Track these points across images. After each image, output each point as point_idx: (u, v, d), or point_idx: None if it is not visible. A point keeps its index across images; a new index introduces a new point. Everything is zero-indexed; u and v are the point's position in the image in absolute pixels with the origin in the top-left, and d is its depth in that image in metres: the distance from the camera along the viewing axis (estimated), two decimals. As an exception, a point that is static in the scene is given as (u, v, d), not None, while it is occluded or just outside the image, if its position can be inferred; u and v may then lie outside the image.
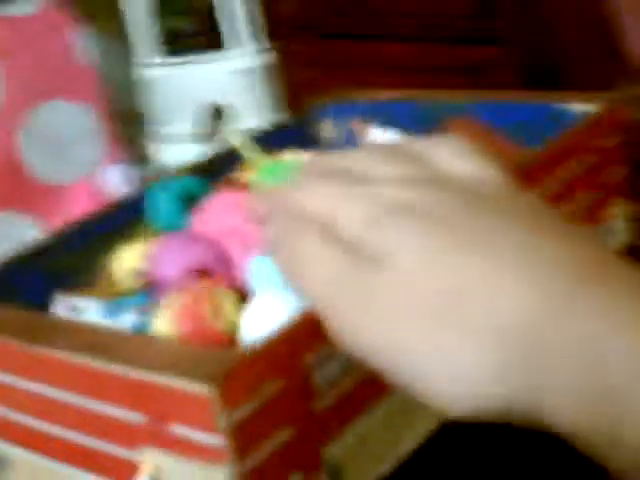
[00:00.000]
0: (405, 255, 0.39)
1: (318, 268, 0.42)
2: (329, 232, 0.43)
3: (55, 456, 0.59)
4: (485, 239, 0.39)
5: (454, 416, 0.38)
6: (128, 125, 1.31)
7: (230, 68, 1.22)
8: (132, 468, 0.54)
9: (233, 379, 0.48)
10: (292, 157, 0.71)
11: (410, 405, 0.60)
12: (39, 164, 1.12)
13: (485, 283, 0.37)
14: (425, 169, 0.44)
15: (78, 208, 1.02)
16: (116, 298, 0.70)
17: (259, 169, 0.73)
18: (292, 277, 0.44)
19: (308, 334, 0.52)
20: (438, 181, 0.43)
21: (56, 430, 0.58)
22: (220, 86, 1.22)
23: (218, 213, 0.69)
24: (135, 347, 0.53)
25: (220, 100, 1.23)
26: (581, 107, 0.74)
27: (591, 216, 0.74)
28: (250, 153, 0.76)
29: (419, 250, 0.39)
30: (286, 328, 0.52)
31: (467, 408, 0.38)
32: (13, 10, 1.13)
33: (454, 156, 0.45)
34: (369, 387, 0.57)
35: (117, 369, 0.51)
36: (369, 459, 0.58)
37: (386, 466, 0.59)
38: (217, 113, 1.24)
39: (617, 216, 0.77)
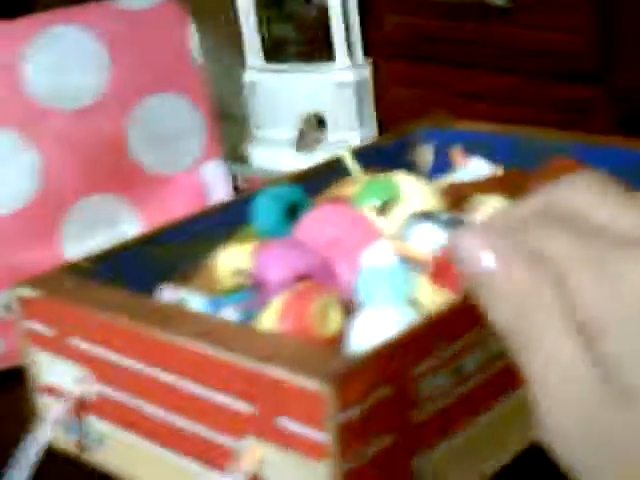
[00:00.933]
0: None
1: (548, 351, 0.33)
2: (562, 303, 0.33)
3: (152, 436, 0.62)
4: None
5: None
6: (230, 125, 1.34)
7: (329, 80, 1.25)
8: (235, 457, 0.56)
9: (348, 380, 0.50)
10: (398, 177, 0.73)
11: (502, 426, 0.62)
12: (143, 153, 1.15)
13: None
14: None
15: (175, 200, 1.05)
16: (218, 294, 0.73)
17: (362, 185, 0.75)
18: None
19: (418, 346, 0.55)
20: None
21: (157, 411, 0.60)
22: (319, 96, 1.26)
23: (321, 224, 0.71)
24: (249, 338, 0.56)
25: (319, 110, 1.26)
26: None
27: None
28: (355, 168, 0.78)
29: None
30: (398, 338, 0.54)
31: None
32: (130, 3, 1.17)
33: None
34: (466, 405, 0.59)
35: (231, 357, 0.54)
36: (457, 474, 0.60)
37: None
38: (318, 123, 1.27)
39: None
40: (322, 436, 0.51)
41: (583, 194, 0.35)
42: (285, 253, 0.68)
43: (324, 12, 1.25)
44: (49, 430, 0.63)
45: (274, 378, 0.52)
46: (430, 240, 0.65)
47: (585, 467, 0.33)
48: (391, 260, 0.66)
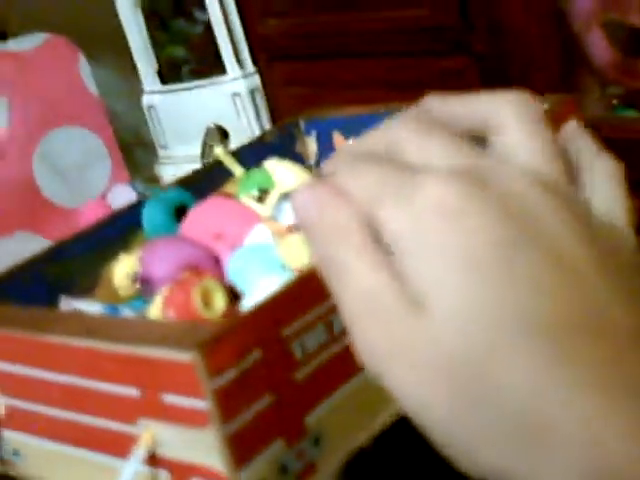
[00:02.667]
0: (441, 294, 0.33)
1: (353, 281, 0.35)
2: (368, 235, 0.35)
3: (63, 439, 0.64)
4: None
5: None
6: (141, 150, 1.38)
7: (224, 92, 1.28)
8: (133, 441, 0.59)
9: (215, 347, 0.53)
10: (270, 165, 0.76)
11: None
12: (52, 187, 1.19)
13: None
14: (485, 157, 0.36)
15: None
16: (114, 302, 0.76)
17: (239, 180, 0.79)
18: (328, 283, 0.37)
19: (287, 307, 0.58)
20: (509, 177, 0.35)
21: (61, 413, 0.63)
22: (217, 109, 1.29)
23: (204, 218, 0.74)
24: (125, 327, 0.59)
25: (219, 122, 1.29)
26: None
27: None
28: (232, 166, 0.82)
29: (458, 293, 0.33)
30: (265, 301, 0.57)
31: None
32: (18, 45, 1.21)
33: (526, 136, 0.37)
34: (348, 358, 0.62)
35: (110, 347, 0.57)
36: (349, 428, 0.63)
37: (367, 434, 0.63)
38: (221, 134, 1.31)
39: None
40: (202, 404, 0.54)
41: (401, 131, 0.38)
42: (167, 248, 0.71)
43: (209, 28, 1.29)
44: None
45: (150, 358, 0.55)
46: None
47: (398, 384, 0.35)
48: (268, 240, 0.69)
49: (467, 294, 0.33)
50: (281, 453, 0.58)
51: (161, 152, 1.36)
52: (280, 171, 0.74)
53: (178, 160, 1.34)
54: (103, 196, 1.26)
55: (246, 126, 1.27)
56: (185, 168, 1.32)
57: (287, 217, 0.69)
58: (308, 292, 0.60)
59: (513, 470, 0.33)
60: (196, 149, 1.33)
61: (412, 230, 0.34)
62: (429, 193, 0.34)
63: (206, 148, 1.30)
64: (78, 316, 0.65)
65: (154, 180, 1.37)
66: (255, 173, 0.78)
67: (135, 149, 1.47)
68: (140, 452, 0.58)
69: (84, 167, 1.24)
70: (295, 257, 0.63)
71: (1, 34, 1.35)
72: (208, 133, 1.31)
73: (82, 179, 1.25)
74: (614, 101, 0.96)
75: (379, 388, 0.62)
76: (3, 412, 0.66)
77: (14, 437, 0.67)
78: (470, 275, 0.33)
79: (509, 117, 0.37)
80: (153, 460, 0.59)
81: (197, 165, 1.30)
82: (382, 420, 0.64)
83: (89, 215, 1.21)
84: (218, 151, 0.82)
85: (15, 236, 1.17)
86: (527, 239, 0.33)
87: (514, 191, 0.34)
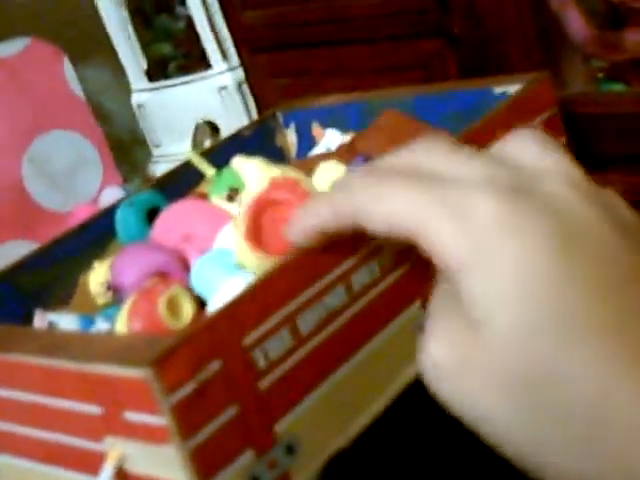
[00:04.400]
0: (501, 308, 0.34)
1: None
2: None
3: (35, 458, 0.63)
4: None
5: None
6: (134, 149, 1.37)
7: (211, 86, 1.27)
8: (102, 458, 0.58)
9: (169, 361, 0.52)
10: (237, 164, 0.75)
11: (362, 381, 0.64)
12: (42, 193, 1.18)
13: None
14: (514, 170, 0.38)
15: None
16: (91, 311, 0.75)
17: (210, 180, 0.78)
18: None
19: (246, 314, 0.56)
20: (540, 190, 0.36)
21: (32, 432, 0.62)
22: (206, 104, 1.28)
23: (174, 221, 0.73)
24: (82, 344, 0.58)
25: (209, 117, 1.28)
26: (509, 89, 0.78)
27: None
28: (202, 166, 0.80)
29: (517, 304, 0.34)
30: (222, 309, 0.55)
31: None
32: (1, 50, 1.20)
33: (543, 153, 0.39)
34: (316, 363, 0.60)
35: (69, 365, 0.55)
36: (324, 433, 0.61)
37: (343, 440, 0.62)
38: (212, 129, 1.29)
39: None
40: (161, 420, 0.53)
41: (425, 152, 0.39)
42: (136, 255, 0.70)
43: (192, 23, 1.27)
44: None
45: (108, 375, 0.54)
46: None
47: (464, 400, 0.36)
48: (222, 245, 0.67)
49: (530, 305, 0.34)
50: (251, 464, 0.57)
51: (155, 151, 1.35)
52: (247, 169, 0.72)
53: (172, 158, 1.33)
54: (95, 199, 1.25)
55: (235, 119, 1.26)
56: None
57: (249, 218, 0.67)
58: (269, 296, 0.58)
59: (581, 473, 0.33)
60: (188, 145, 1.32)
61: (470, 248, 0.35)
62: (483, 209, 0.35)
63: (197, 144, 1.29)
64: (36, 334, 0.64)
65: (150, 180, 1.36)
66: (225, 172, 0.76)
67: (131, 149, 1.46)
68: (108, 470, 0.57)
69: (74, 171, 1.23)
70: (258, 266, 0.62)
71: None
72: (198, 129, 1.29)
73: (73, 183, 1.24)
74: (599, 75, 0.94)
75: (353, 391, 0.61)
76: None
77: (-10, 457, 0.67)
78: (531, 286, 0.34)
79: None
80: (122, 476, 0.57)
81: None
82: (358, 424, 0.63)
83: (81, 219, 1.20)
84: (189, 152, 0.81)
85: (7, 244, 1.16)
86: (579, 242, 0.34)
87: (559, 197, 0.36)
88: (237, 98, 1.26)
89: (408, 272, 0.66)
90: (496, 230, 0.35)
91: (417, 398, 0.63)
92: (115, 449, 0.57)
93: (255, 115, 1.26)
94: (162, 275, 0.69)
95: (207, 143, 1.29)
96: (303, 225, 0.46)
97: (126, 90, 1.39)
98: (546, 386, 0.33)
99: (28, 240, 1.19)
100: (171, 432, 0.53)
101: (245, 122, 1.27)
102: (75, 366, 0.56)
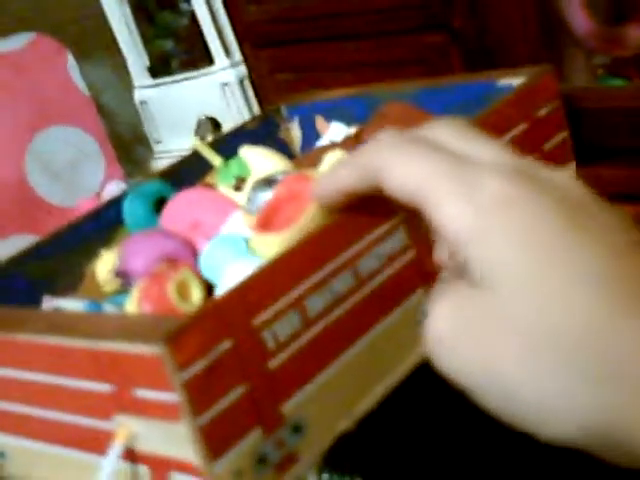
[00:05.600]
0: (508, 272, 0.36)
1: None
2: None
3: (43, 438, 0.64)
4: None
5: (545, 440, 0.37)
6: (135, 145, 1.38)
7: (213, 82, 1.28)
8: (110, 437, 0.58)
9: (182, 338, 0.53)
10: (245, 153, 0.75)
11: (369, 362, 0.64)
12: (45, 187, 1.19)
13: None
14: (517, 156, 0.41)
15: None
16: (99, 298, 0.76)
17: (217, 170, 0.78)
18: None
19: (256, 295, 0.57)
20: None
21: (39, 412, 0.63)
22: (208, 100, 1.29)
23: (183, 209, 0.74)
24: (93, 323, 0.59)
25: (211, 113, 1.29)
26: (513, 81, 0.79)
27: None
28: (210, 156, 0.81)
29: (525, 267, 0.36)
30: (233, 290, 0.56)
31: (557, 435, 0.36)
32: (4, 46, 1.20)
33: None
34: (323, 346, 0.61)
35: (79, 343, 0.56)
36: (330, 414, 0.62)
37: (348, 421, 0.63)
38: (213, 124, 1.30)
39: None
40: (173, 397, 0.53)
41: (443, 131, 0.42)
42: (144, 241, 0.71)
43: (195, 19, 1.28)
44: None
45: (119, 353, 0.55)
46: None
47: (475, 363, 0.37)
48: (232, 231, 0.68)
49: (536, 265, 0.36)
50: (258, 443, 0.57)
51: (156, 147, 1.36)
52: (254, 158, 0.74)
53: (174, 154, 1.33)
54: (98, 193, 1.25)
55: (237, 115, 1.26)
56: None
57: (261, 204, 0.68)
58: (278, 279, 0.59)
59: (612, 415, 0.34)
60: (190, 142, 1.33)
61: (477, 220, 0.37)
62: (490, 187, 0.37)
63: (199, 140, 1.30)
64: (45, 314, 0.65)
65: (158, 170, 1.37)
66: (232, 162, 0.77)
67: (133, 145, 1.47)
68: (117, 448, 0.58)
69: (77, 165, 1.24)
70: (267, 252, 0.63)
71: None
72: (200, 125, 1.30)
73: (76, 177, 1.24)
74: (599, 71, 0.95)
75: (358, 374, 0.62)
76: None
77: (-1, 438, 0.67)
78: (541, 250, 0.36)
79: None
80: (131, 455, 0.58)
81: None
82: (364, 405, 0.64)
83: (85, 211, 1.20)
84: (196, 142, 0.82)
85: (11, 237, 1.17)
86: (581, 214, 0.37)
87: (557, 182, 0.38)
88: (239, 94, 1.27)
89: (413, 259, 0.67)
90: (503, 203, 0.37)
91: (422, 382, 0.64)
92: (124, 427, 0.58)
93: (257, 111, 1.27)
94: (171, 261, 0.69)
95: (209, 139, 1.30)
96: (328, 185, 0.47)
97: (129, 86, 1.40)
98: (557, 334, 0.35)
99: (32, 234, 1.20)
100: (182, 409, 0.54)
101: (247, 118, 1.28)
102: (85, 344, 0.57)
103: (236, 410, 0.56)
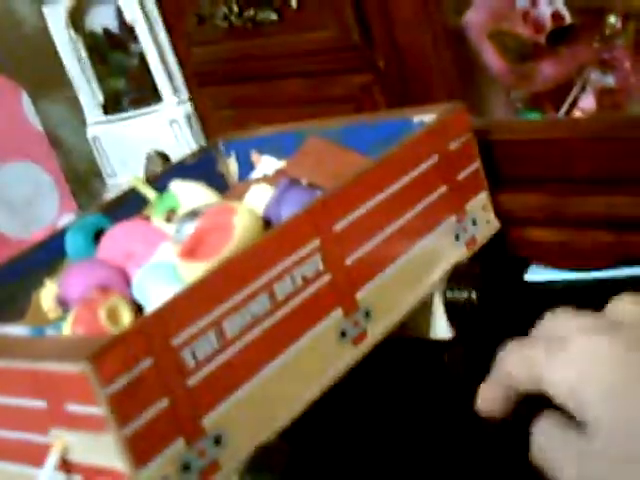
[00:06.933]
0: (607, 422, 0.43)
1: None
2: None
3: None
4: None
5: None
6: (86, 180, 1.43)
7: (162, 119, 1.34)
8: (47, 450, 0.64)
9: (104, 356, 0.58)
10: (175, 187, 0.82)
11: (286, 379, 0.70)
12: (2, 220, 1.24)
13: None
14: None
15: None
16: (43, 324, 0.81)
17: (152, 203, 0.85)
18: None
19: (176, 317, 0.63)
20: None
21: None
22: (157, 136, 1.35)
23: (117, 240, 0.80)
24: (26, 345, 0.64)
25: (160, 148, 1.35)
26: (425, 117, 0.86)
27: (449, 210, 0.85)
28: (145, 191, 0.87)
29: (621, 417, 0.43)
30: (155, 311, 0.62)
31: None
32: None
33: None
34: (242, 364, 0.67)
35: (13, 364, 0.62)
36: (250, 427, 0.67)
37: (270, 431, 0.68)
38: (163, 159, 1.36)
39: (478, 207, 0.88)
40: (99, 410, 0.59)
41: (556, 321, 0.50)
42: (81, 270, 0.77)
43: (144, 59, 1.34)
44: None
45: (50, 371, 0.60)
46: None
47: None
48: (160, 259, 0.74)
49: (629, 405, 0.42)
50: (182, 452, 0.63)
51: (110, 180, 1.42)
52: (183, 191, 0.80)
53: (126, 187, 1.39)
54: (53, 225, 1.30)
55: (185, 150, 1.33)
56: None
57: (185, 236, 0.74)
58: (197, 301, 0.65)
59: None
60: (141, 175, 1.39)
61: (573, 376, 0.45)
62: (580, 343, 0.46)
63: (148, 174, 1.36)
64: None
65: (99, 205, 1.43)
66: (165, 196, 0.83)
67: (89, 178, 1.52)
68: (52, 460, 0.63)
69: (33, 199, 1.29)
70: (193, 278, 0.68)
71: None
72: (149, 159, 1.36)
73: (31, 211, 1.30)
74: (518, 105, 1.02)
75: (276, 390, 0.68)
76: None
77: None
78: (626, 390, 0.43)
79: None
80: (66, 466, 0.64)
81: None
82: (283, 418, 0.70)
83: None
84: (133, 178, 0.88)
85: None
86: None
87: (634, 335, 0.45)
88: (186, 130, 1.34)
89: (330, 281, 0.73)
90: (588, 354, 0.45)
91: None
92: (59, 440, 0.63)
93: (202, 144, 1.33)
94: (104, 288, 0.75)
95: (146, 175, 1.36)
96: (488, 396, 0.52)
97: (83, 123, 1.45)
98: None
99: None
100: (108, 421, 0.59)
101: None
102: (19, 364, 0.62)
103: (159, 422, 0.62)
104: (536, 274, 0.90)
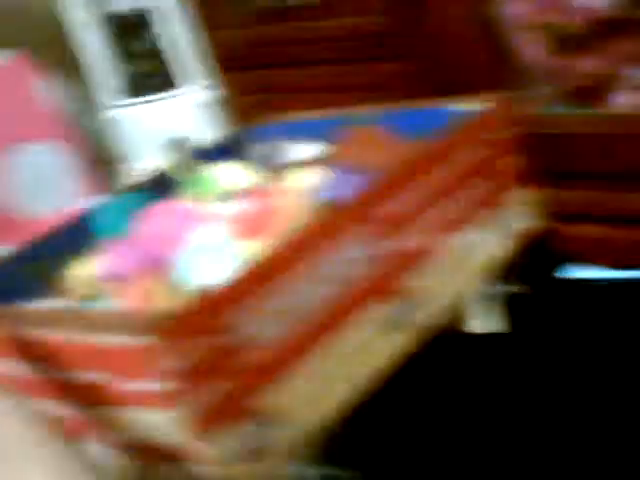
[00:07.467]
0: None
1: None
2: None
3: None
4: None
5: None
6: (103, 164, 1.41)
7: (184, 104, 1.32)
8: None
9: (169, 332, 0.57)
10: (215, 168, 0.80)
11: (336, 365, 0.69)
12: (22, 201, 1.22)
13: None
14: None
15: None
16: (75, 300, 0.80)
17: (189, 184, 0.83)
18: None
19: (234, 296, 0.62)
20: None
21: (43, 405, 0.66)
22: (179, 120, 1.33)
23: (155, 220, 0.78)
24: (84, 317, 0.63)
25: (181, 133, 1.33)
26: (470, 107, 0.84)
27: (489, 203, 0.83)
28: (181, 172, 0.86)
29: None
30: (215, 290, 0.61)
31: None
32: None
33: None
34: (293, 346, 0.66)
35: (72, 337, 0.60)
36: (303, 409, 0.66)
37: (325, 412, 0.68)
38: (185, 144, 1.34)
39: (519, 201, 0.86)
40: (158, 387, 0.58)
41: None
42: (123, 249, 0.75)
43: (170, 41, 1.32)
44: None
45: (115, 346, 0.58)
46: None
47: None
48: (217, 237, 0.73)
49: None
50: (238, 433, 0.61)
51: (127, 164, 1.40)
52: (224, 173, 0.78)
53: (144, 171, 1.37)
54: (74, 207, 1.28)
55: (207, 135, 1.31)
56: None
57: (233, 214, 0.73)
58: (255, 281, 0.64)
59: None
60: (160, 161, 1.37)
61: None
62: None
63: (170, 159, 1.34)
64: (33, 310, 0.68)
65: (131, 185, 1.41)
66: (202, 177, 0.81)
67: (105, 162, 1.50)
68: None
69: (54, 181, 1.27)
70: (244, 257, 0.67)
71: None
72: (171, 143, 1.34)
73: (53, 192, 1.27)
74: (546, 99, 1.00)
75: (326, 374, 0.66)
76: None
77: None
78: None
79: None
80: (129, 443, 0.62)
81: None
82: (334, 401, 0.68)
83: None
84: (169, 159, 0.86)
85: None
86: None
87: None
88: (210, 115, 1.32)
89: (378, 266, 0.72)
90: None
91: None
92: (123, 417, 0.62)
93: (226, 131, 1.31)
94: (147, 267, 0.73)
95: (179, 158, 1.34)
96: None
97: (102, 106, 1.43)
98: None
99: (6, 246, 1.23)
100: (173, 397, 0.58)
101: (216, 137, 1.33)
102: (79, 338, 0.60)
103: (222, 401, 0.60)
104: (574, 270, 0.89)
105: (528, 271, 0.86)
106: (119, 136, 1.41)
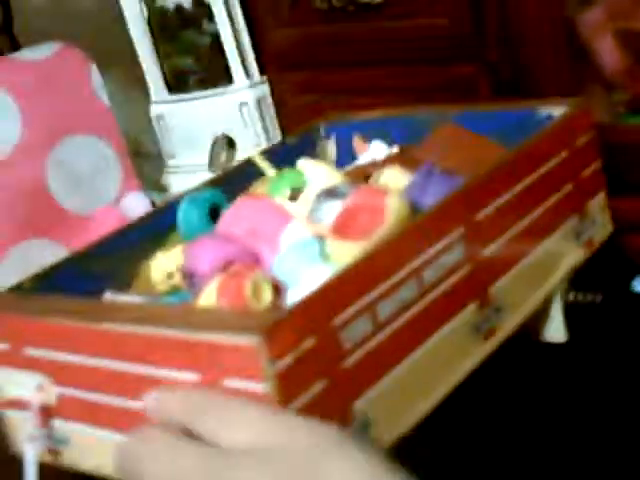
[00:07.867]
0: None
1: None
2: None
3: (116, 427, 0.66)
4: None
5: None
6: (146, 159, 1.40)
7: (231, 101, 1.32)
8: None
9: (276, 332, 0.56)
10: (302, 165, 0.79)
11: (428, 366, 0.68)
12: (65, 195, 1.21)
13: None
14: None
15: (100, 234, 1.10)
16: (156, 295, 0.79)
17: (271, 180, 0.82)
18: None
19: (336, 298, 0.61)
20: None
21: (115, 400, 0.65)
22: (225, 119, 1.33)
23: (239, 217, 0.77)
24: (183, 314, 0.62)
25: (226, 131, 1.33)
26: (553, 111, 0.84)
27: (573, 210, 0.83)
28: (266, 167, 0.85)
29: None
30: (317, 292, 0.60)
31: None
32: (32, 54, 1.23)
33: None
34: (390, 348, 0.65)
35: (169, 333, 0.59)
36: (395, 414, 0.66)
37: (414, 419, 0.67)
38: (228, 143, 1.34)
39: (597, 208, 0.86)
40: (262, 387, 0.57)
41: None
42: (211, 244, 0.74)
43: (217, 39, 1.32)
44: (32, 448, 0.68)
45: (210, 343, 0.58)
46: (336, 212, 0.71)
47: None
48: (305, 237, 0.72)
49: None
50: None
51: (169, 162, 1.39)
52: (312, 170, 0.77)
53: (186, 169, 1.37)
54: (115, 203, 1.28)
55: (253, 135, 1.30)
56: (193, 177, 1.36)
57: (325, 215, 0.72)
58: (355, 284, 0.63)
59: None
60: (204, 158, 1.36)
61: None
62: None
63: (214, 157, 1.33)
64: (131, 305, 0.68)
65: (162, 189, 1.40)
66: (287, 173, 0.81)
67: (146, 158, 1.49)
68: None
69: (96, 175, 1.26)
70: (343, 258, 0.66)
71: (15, 45, 1.37)
72: (216, 142, 1.34)
73: (94, 187, 1.27)
74: (620, 108, 1.00)
75: (420, 376, 0.66)
76: (54, 401, 0.69)
77: (65, 426, 0.70)
78: None
79: None
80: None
81: (205, 174, 1.33)
82: (425, 407, 0.68)
83: (101, 222, 1.23)
84: (252, 154, 0.85)
85: (31, 243, 1.19)
86: None
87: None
88: (256, 114, 1.31)
89: (469, 272, 0.71)
90: None
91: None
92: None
93: (274, 131, 1.31)
94: (246, 264, 0.73)
95: (223, 157, 1.33)
96: None
97: (146, 100, 1.43)
98: None
99: (49, 240, 1.22)
100: (272, 398, 0.57)
101: (263, 138, 1.32)
102: (176, 335, 0.59)
103: (316, 404, 0.60)
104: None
105: (602, 281, 0.86)
106: (162, 131, 1.40)
